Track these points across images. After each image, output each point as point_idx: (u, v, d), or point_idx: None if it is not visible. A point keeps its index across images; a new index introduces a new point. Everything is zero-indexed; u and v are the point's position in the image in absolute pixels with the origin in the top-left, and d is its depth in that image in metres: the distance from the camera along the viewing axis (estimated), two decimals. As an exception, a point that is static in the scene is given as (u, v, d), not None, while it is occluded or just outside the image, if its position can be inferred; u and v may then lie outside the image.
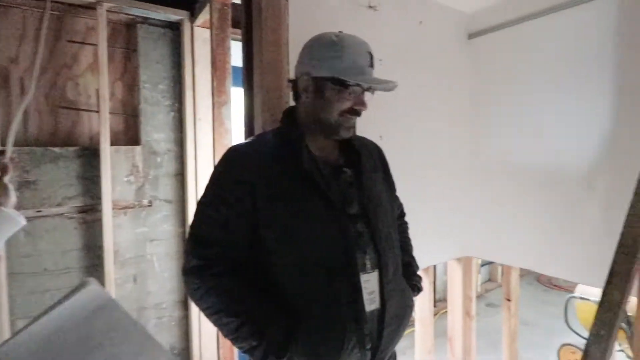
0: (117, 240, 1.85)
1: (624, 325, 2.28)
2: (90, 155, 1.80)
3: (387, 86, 0.92)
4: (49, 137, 1.76)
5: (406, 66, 1.56)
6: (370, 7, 1.40)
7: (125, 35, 1.95)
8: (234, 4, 1.80)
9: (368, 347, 0.87)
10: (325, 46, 0.89)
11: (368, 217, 0.92)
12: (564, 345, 2.70)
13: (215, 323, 0.83)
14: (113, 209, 1.81)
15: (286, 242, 0.85)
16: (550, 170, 1.54)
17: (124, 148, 1.90)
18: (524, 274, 4.75)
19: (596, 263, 1.30)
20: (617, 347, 2.01)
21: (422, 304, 1.84)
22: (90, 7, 1.78)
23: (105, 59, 1.77)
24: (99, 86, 1.78)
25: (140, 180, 1.95)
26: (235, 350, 2.00)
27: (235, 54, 1.85)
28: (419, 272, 1.16)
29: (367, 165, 0.99)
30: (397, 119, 1.54)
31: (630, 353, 2.27)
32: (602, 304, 0.78)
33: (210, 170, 1.93)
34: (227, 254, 0.84)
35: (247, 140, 0.98)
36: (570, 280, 1.56)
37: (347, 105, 0.90)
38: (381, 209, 0.96)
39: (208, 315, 0.83)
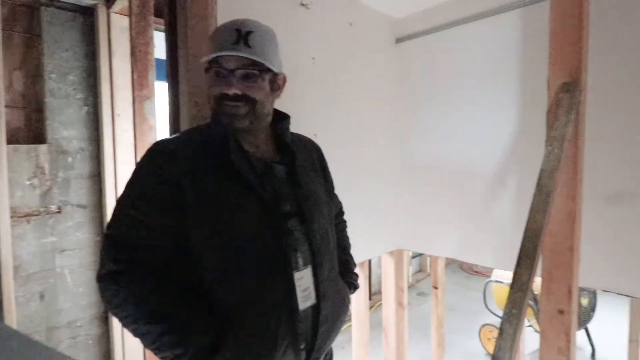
0: (18, 252, 1.61)
1: (531, 302, 2.59)
2: (-20, 155, 1.54)
3: (244, 56, 0.81)
4: None
5: (338, 66, 1.59)
6: (302, 4, 1.39)
7: (25, 18, 1.70)
8: (156, -8, 1.67)
9: (302, 347, 0.86)
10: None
11: (303, 215, 0.90)
12: (484, 325, 2.96)
13: (135, 333, 0.75)
14: (12, 217, 1.56)
15: (215, 241, 0.80)
16: (469, 169, 1.68)
17: (24, 147, 1.66)
18: (449, 262, 5.15)
19: (509, 249, 1.45)
20: (526, 322, 2.26)
21: (357, 298, 1.88)
22: (-23, -18, 1.53)
23: (-1, 44, 1.53)
24: (-9, 74, 1.53)
25: (47, 183, 1.72)
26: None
27: (159, 45, 1.73)
28: (355, 269, 1.17)
29: (302, 162, 0.98)
30: (330, 118, 1.56)
31: (537, 327, 2.58)
32: (513, 285, 0.86)
33: (131, 170, 1.78)
34: (149, 257, 0.77)
35: (174, 135, 0.91)
36: (488, 265, 1.72)
37: (217, 90, 0.83)
38: (317, 207, 0.95)
39: (126, 325, 0.75)
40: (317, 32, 1.48)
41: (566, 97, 0.98)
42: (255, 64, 0.82)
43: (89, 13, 1.81)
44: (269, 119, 0.94)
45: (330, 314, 0.91)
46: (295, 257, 0.87)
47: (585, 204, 1.10)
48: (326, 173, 1.11)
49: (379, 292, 2.26)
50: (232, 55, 0.81)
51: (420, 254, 4.70)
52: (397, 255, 2.02)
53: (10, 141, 1.58)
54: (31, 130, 1.72)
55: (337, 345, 2.57)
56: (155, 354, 0.76)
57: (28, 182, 1.67)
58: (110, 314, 1.84)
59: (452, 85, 1.72)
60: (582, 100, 1.01)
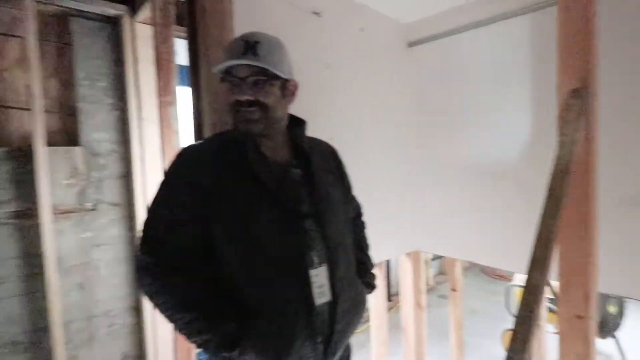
0: (60, 246, 1.75)
1: (554, 307, 2.53)
2: (23, 157, 1.67)
3: (252, 63, 0.87)
4: (-30, 137, 1.62)
5: (352, 71, 1.63)
6: (314, 13, 1.44)
7: (58, 28, 1.82)
8: (178, 2, 1.75)
9: (319, 340, 0.91)
10: None
11: (318, 216, 0.96)
12: (506, 330, 2.91)
13: (169, 319, 0.84)
14: (53, 213, 1.70)
15: (236, 240, 0.87)
16: (486, 171, 1.69)
17: (62, 149, 1.79)
18: (471, 266, 5.09)
19: (529, 253, 1.46)
20: (552, 329, 2.23)
21: (376, 298, 1.94)
22: (15, -3, 1.64)
23: (35, 54, 1.64)
24: (29, 82, 1.65)
25: (82, 183, 1.85)
26: (193, 355, 1.98)
27: (181, 53, 1.81)
28: (374, 270, 1.20)
29: (318, 165, 1.02)
30: (346, 121, 1.61)
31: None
32: (525, 288, 0.87)
33: (158, 171, 1.90)
34: (178, 252, 0.85)
35: (200, 141, 0.99)
36: (506, 269, 1.72)
37: (232, 98, 0.90)
38: (332, 208, 1.00)
39: (161, 312, 0.84)
40: (331, 39, 1.52)
41: (576, 103, 0.97)
42: (263, 71, 0.88)
43: (114, 22, 1.91)
44: (284, 123, 1.00)
45: (346, 311, 0.96)
46: (310, 256, 0.92)
47: (606, 208, 1.08)
48: (343, 175, 1.15)
49: (398, 294, 2.30)
50: (242, 64, 0.87)
51: (441, 257, 4.68)
52: (414, 256, 2.06)
53: (48, 143, 1.70)
54: (66, 133, 1.85)
55: (359, 344, 2.61)
56: (187, 338, 0.85)
57: (66, 182, 1.80)
58: (143, 305, 1.97)
59: (465, 88, 1.74)
60: (592, 106, 1.00)
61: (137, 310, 2.00)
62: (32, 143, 1.65)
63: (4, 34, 1.68)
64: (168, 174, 0.91)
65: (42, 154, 1.65)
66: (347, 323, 0.98)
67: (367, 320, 2.09)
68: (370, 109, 1.72)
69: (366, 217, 1.28)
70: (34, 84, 1.64)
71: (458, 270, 2.10)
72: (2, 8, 1.67)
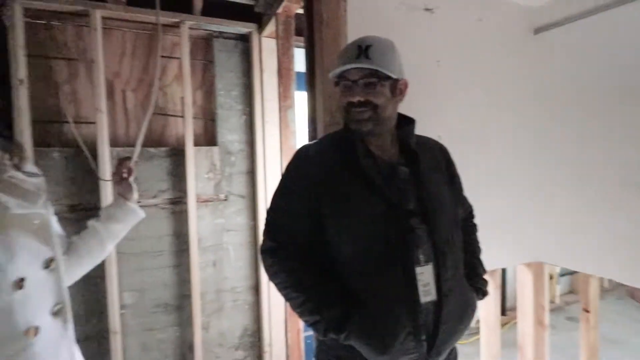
0: (199, 229, 2.11)
1: None
2: (177, 155, 2.08)
3: (365, 67, 0.93)
4: (145, 139, 2.06)
5: (464, 66, 1.56)
6: (426, 9, 1.43)
7: (203, 48, 2.20)
8: (297, 14, 1.93)
9: (423, 337, 0.92)
10: None
11: (425, 214, 0.97)
12: None
13: (285, 297, 0.96)
14: (197, 201, 2.07)
15: (343, 233, 0.94)
16: (632, 169, 1.42)
17: (204, 148, 2.16)
18: (614, 287, 4.27)
19: None
20: None
21: (487, 307, 1.80)
22: (175, 26, 2.04)
23: (188, 71, 2.03)
24: (183, 94, 2.04)
25: (218, 177, 2.20)
26: (302, 336, 2.16)
27: (300, 60, 1.99)
28: (485, 276, 1.16)
29: (426, 164, 1.03)
30: (456, 119, 1.55)
31: None
32: None
33: (278, 168, 2.12)
34: (295, 239, 0.97)
35: (314, 141, 1.10)
36: None
37: (344, 100, 0.97)
38: (440, 207, 1.00)
39: (279, 290, 0.97)
40: (442, 34, 1.49)
41: None
42: (375, 73, 0.92)
43: (245, 39, 2.21)
44: (392, 122, 1.03)
45: (452, 313, 0.95)
46: (417, 253, 0.94)
47: None
48: (453, 174, 1.13)
49: (515, 309, 2.09)
50: (354, 68, 0.93)
51: (571, 272, 4.03)
52: (535, 268, 1.84)
53: (194, 144, 2.08)
54: (207, 135, 2.22)
55: (465, 355, 2.45)
56: (299, 316, 0.96)
57: (206, 176, 2.17)
58: (262, 286, 2.24)
59: (607, 79, 1.47)
60: None
61: (256, 290, 2.28)
62: (184, 144, 2.03)
63: (167, 57, 2.11)
64: (286, 170, 1.03)
65: (190, 152, 2.03)
66: (453, 325, 0.96)
67: (477, 332, 1.96)
68: (485, 105, 1.61)
69: (480, 219, 1.23)
70: (186, 96, 2.02)
71: (593, 289, 1.80)
72: (166, 36, 2.10)
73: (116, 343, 1.86)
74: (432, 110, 1.50)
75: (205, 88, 2.21)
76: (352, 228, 0.93)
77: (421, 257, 0.95)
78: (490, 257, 1.56)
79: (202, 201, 2.15)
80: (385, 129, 1.01)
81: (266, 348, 2.23)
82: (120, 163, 1.06)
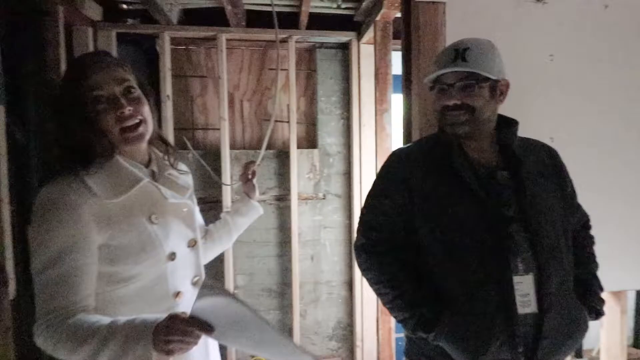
0: (300, 224, 2.31)
1: None
2: (282, 156, 2.31)
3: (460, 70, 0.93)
4: (257, 142, 2.35)
5: (582, 59, 1.39)
6: (538, 0, 1.33)
7: (307, 58, 2.39)
8: (395, 18, 1.97)
9: (520, 350, 0.88)
10: None
11: (527, 221, 0.92)
12: None
13: (376, 292, 1.02)
14: (298, 199, 2.27)
15: (437, 236, 0.95)
16: None
17: (305, 151, 2.35)
18: None
19: None
20: None
21: (610, 334, 1.57)
22: (283, 41, 2.27)
23: (294, 80, 2.24)
24: (289, 102, 2.26)
25: (317, 177, 2.37)
26: (393, 336, 2.19)
27: (396, 63, 2.03)
28: (603, 295, 1.05)
29: (530, 168, 0.98)
30: (571, 120, 1.39)
31: None
32: None
33: (372, 170, 2.19)
34: (387, 238, 1.01)
35: (408, 144, 1.14)
36: None
37: (440, 104, 0.96)
38: (544, 215, 0.94)
39: (371, 285, 1.03)
40: (556, 26, 1.36)
41: None
42: (472, 75, 0.91)
43: (344, 47, 2.34)
44: (491, 125, 1.00)
45: (556, 328, 0.90)
46: (515, 262, 0.90)
47: None
48: (563, 180, 1.05)
49: None
50: (450, 72, 0.93)
51: None
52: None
53: (297, 147, 2.28)
54: (308, 138, 2.41)
55: None
56: (389, 312, 1.00)
57: (307, 176, 2.36)
58: (355, 282, 2.33)
59: None
60: None
61: (350, 286, 2.39)
62: (289, 147, 2.25)
63: (275, 69, 2.36)
64: (381, 172, 1.08)
65: (294, 155, 2.23)
66: (557, 342, 0.90)
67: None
68: (607, 103, 1.41)
69: (599, 231, 1.11)
70: (292, 103, 2.24)
71: None
72: (274, 50, 2.34)
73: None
74: (543, 110, 1.38)
75: (307, 95, 2.40)
76: (445, 232, 0.94)
77: (520, 266, 0.91)
78: (611, 276, 1.37)
79: (302, 199, 2.34)
80: (484, 131, 0.99)
81: (358, 343, 2.32)
82: (246, 166, 1.22)
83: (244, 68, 2.34)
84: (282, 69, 2.35)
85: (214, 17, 2.10)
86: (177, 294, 0.89)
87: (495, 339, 0.88)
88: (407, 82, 1.38)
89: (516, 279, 0.90)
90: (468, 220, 0.93)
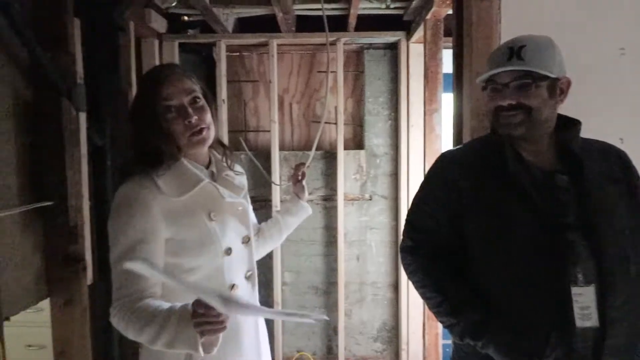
0: (346, 224, 2.34)
1: None
2: (329, 157, 2.35)
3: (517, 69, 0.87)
4: (305, 143, 2.41)
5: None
6: (605, -10, 1.24)
7: (355, 60, 2.41)
8: (446, 15, 1.92)
9: None
10: None
11: (589, 228, 0.87)
12: None
13: (422, 296, 1.01)
14: (344, 199, 2.30)
15: (487, 242, 0.92)
16: None
17: (352, 152, 2.37)
18: None
19: None
20: None
21: None
22: (332, 43, 2.30)
23: (341, 82, 2.27)
24: (337, 103, 2.29)
25: (364, 178, 2.38)
26: (440, 342, 2.13)
27: (447, 62, 1.98)
28: None
29: (594, 172, 0.91)
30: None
31: None
32: None
33: (420, 171, 2.15)
34: (433, 241, 1.00)
35: (458, 146, 1.11)
36: None
37: (493, 104, 0.91)
38: (609, 222, 0.88)
39: (416, 288, 1.02)
40: (630, 17, 1.26)
41: None
42: (529, 74, 0.87)
43: (393, 47, 2.32)
44: (550, 125, 0.94)
45: (620, 346, 0.84)
46: (574, 272, 0.85)
47: None
48: (634, 185, 0.96)
49: None
50: (505, 71, 0.89)
51: None
52: None
53: (344, 148, 2.30)
54: (355, 140, 2.42)
55: None
56: (435, 317, 0.99)
57: (353, 177, 2.38)
58: (401, 284, 2.31)
59: None
60: None
61: (395, 288, 2.37)
62: (336, 148, 2.28)
63: (323, 72, 2.41)
64: (429, 174, 1.06)
65: (341, 156, 2.26)
66: None
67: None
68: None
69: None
70: (339, 105, 2.27)
71: None
72: (323, 53, 2.39)
73: (278, 313, 2.25)
74: (612, 108, 1.28)
75: (355, 96, 2.42)
76: (496, 237, 0.90)
77: (580, 277, 0.85)
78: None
79: (349, 199, 2.36)
80: (541, 133, 0.94)
81: (403, 346, 2.29)
82: (297, 168, 1.26)
83: (294, 72, 2.41)
84: (331, 71, 2.39)
85: (266, 24, 2.19)
86: (233, 286, 0.96)
87: (550, 352, 0.84)
88: (458, 81, 1.35)
89: (575, 290, 0.85)
90: (522, 227, 0.89)
